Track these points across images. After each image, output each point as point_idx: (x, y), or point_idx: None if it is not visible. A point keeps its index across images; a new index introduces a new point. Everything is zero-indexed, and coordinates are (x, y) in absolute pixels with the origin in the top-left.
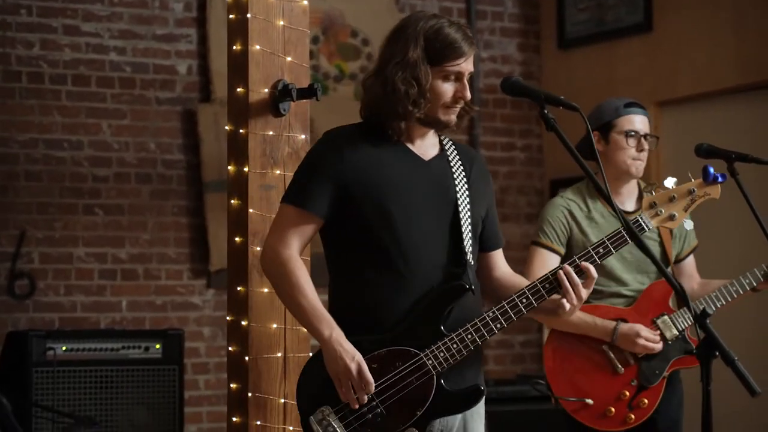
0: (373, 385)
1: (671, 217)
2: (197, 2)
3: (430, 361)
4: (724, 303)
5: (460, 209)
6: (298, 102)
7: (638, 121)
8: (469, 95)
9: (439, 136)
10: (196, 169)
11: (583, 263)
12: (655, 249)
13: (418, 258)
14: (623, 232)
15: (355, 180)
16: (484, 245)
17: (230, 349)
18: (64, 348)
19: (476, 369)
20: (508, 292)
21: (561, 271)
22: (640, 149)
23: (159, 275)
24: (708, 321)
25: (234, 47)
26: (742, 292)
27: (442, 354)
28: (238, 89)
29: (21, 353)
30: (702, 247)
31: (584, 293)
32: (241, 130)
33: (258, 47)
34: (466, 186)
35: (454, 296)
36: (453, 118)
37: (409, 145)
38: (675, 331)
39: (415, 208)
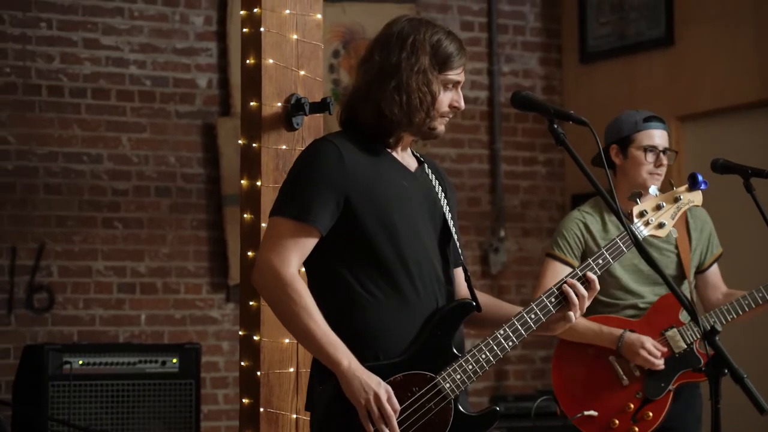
0: (398, 411)
1: (660, 226)
2: (217, 16)
3: (448, 385)
4: (735, 317)
5: (448, 223)
6: (311, 116)
7: (657, 136)
8: (463, 104)
9: (411, 148)
10: (215, 183)
11: (589, 274)
12: (672, 260)
13: (420, 273)
14: (619, 243)
15: (356, 190)
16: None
17: (242, 364)
18: (80, 362)
19: (466, 390)
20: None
21: (566, 285)
22: (658, 164)
23: (178, 289)
24: (717, 338)
25: (247, 61)
26: (754, 306)
27: (459, 376)
28: (252, 103)
29: (37, 367)
30: (719, 262)
31: (587, 303)
32: (254, 144)
33: (271, 61)
34: (445, 199)
35: (463, 315)
36: (443, 128)
37: (396, 156)
38: (683, 344)
39: (414, 222)
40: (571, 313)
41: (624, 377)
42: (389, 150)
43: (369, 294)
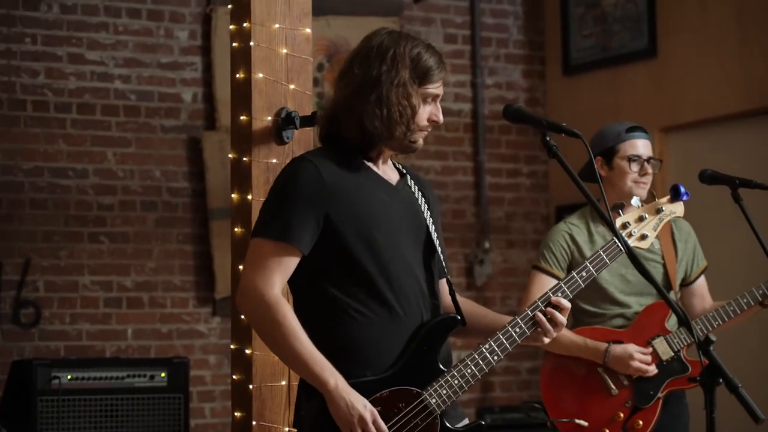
0: None
1: (643, 237)
2: (202, 30)
3: (434, 400)
4: (720, 323)
5: (432, 236)
6: (302, 129)
7: (641, 146)
8: (442, 118)
9: (392, 160)
10: (201, 197)
11: (554, 298)
12: (658, 271)
13: (403, 289)
14: (602, 255)
15: (337, 208)
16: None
17: (234, 377)
18: (69, 377)
19: (458, 402)
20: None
21: (539, 314)
22: (643, 173)
23: (164, 303)
24: (712, 347)
25: (237, 75)
26: (739, 312)
27: (444, 391)
28: (242, 117)
29: (26, 382)
30: (706, 272)
31: (561, 325)
32: (244, 158)
33: (261, 75)
34: (429, 211)
35: (448, 330)
36: (422, 141)
37: (376, 170)
38: (671, 353)
39: (396, 236)
40: (545, 339)
41: (613, 387)
42: (370, 164)
43: (354, 310)
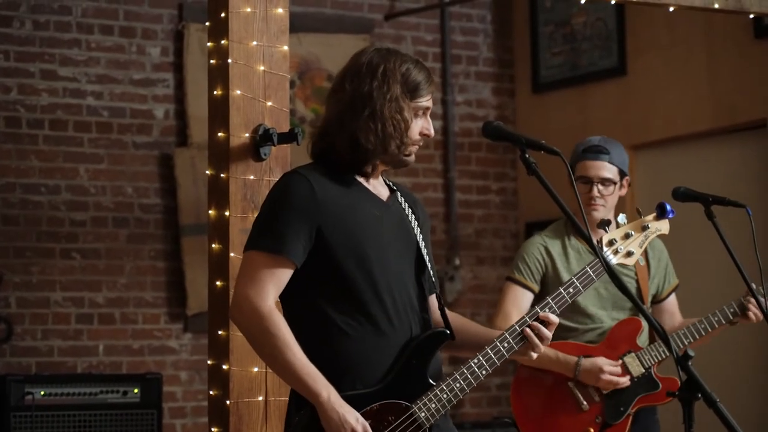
0: None
1: (629, 254)
2: (174, 47)
3: (423, 414)
4: (692, 340)
5: (422, 252)
6: (279, 146)
7: (592, 167)
8: (433, 131)
9: (383, 176)
10: (173, 213)
11: (543, 313)
12: (632, 287)
13: (394, 304)
14: (589, 271)
15: (329, 222)
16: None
17: (211, 392)
18: (42, 393)
19: (448, 416)
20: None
21: (528, 329)
22: (594, 196)
23: (136, 319)
24: (690, 363)
25: (215, 92)
26: (710, 329)
27: (434, 405)
28: (219, 134)
29: None
30: (679, 289)
31: (548, 340)
32: (222, 175)
33: (239, 92)
34: (419, 227)
35: (438, 344)
36: (414, 156)
37: (367, 186)
38: (641, 369)
39: (387, 252)
40: (533, 354)
41: (583, 402)
42: (361, 180)
43: (344, 324)
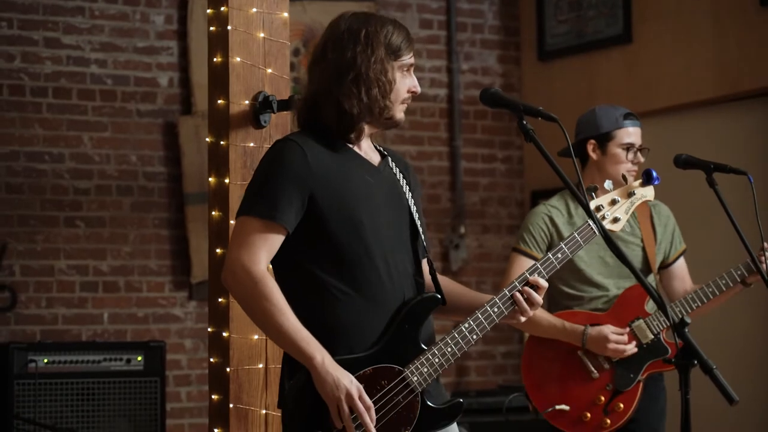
0: (373, 410)
1: (615, 220)
2: (178, 15)
3: (416, 378)
4: (699, 305)
5: (415, 216)
6: (279, 114)
7: (636, 134)
8: (419, 88)
9: (373, 141)
10: (177, 181)
11: (532, 278)
12: (638, 254)
13: (387, 269)
14: (576, 237)
15: (321, 188)
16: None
17: (211, 360)
18: (45, 360)
19: (439, 381)
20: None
21: (517, 293)
22: (636, 162)
23: (140, 287)
24: (686, 329)
25: (214, 59)
26: (718, 293)
27: (426, 369)
28: (219, 101)
29: (2, 366)
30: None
31: (538, 304)
32: (221, 142)
33: (238, 59)
34: (410, 192)
35: (430, 308)
36: (403, 115)
37: (358, 151)
38: (650, 335)
39: (380, 217)
40: (521, 317)
41: (594, 370)
42: (352, 146)
43: (337, 289)
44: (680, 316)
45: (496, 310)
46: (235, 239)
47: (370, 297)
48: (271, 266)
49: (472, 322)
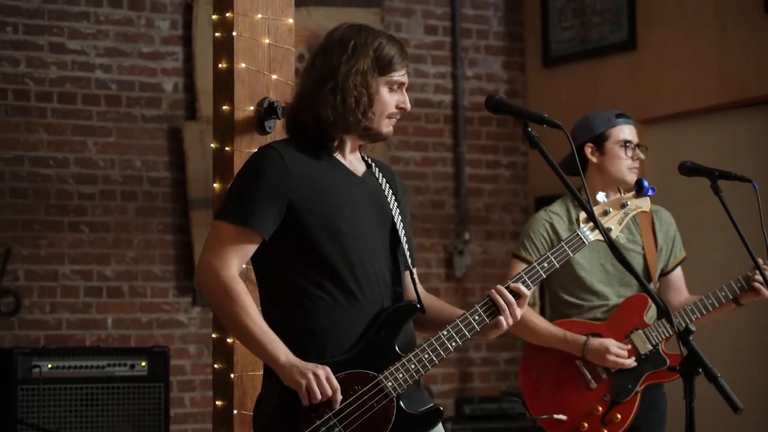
0: (339, 392)
1: (607, 231)
2: (183, 20)
3: (390, 383)
4: (699, 316)
5: (397, 227)
6: (284, 120)
7: (630, 131)
8: (410, 105)
9: (360, 152)
10: (181, 187)
11: (513, 284)
12: (638, 261)
13: (366, 277)
14: (565, 247)
15: (301, 196)
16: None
17: (216, 366)
18: (49, 366)
19: (422, 388)
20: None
21: (493, 292)
22: (636, 158)
23: (144, 293)
24: (691, 337)
25: (219, 65)
26: (717, 305)
27: (401, 375)
28: (224, 107)
29: (6, 371)
30: (686, 264)
31: (519, 311)
32: (226, 148)
33: (243, 65)
34: (396, 202)
35: (407, 316)
36: (391, 129)
37: (342, 161)
38: (649, 346)
39: (360, 226)
40: (502, 319)
41: (591, 380)
42: (337, 156)
43: (314, 296)
44: (685, 325)
45: (476, 317)
46: (209, 243)
47: (347, 303)
48: (245, 268)
49: (451, 330)
